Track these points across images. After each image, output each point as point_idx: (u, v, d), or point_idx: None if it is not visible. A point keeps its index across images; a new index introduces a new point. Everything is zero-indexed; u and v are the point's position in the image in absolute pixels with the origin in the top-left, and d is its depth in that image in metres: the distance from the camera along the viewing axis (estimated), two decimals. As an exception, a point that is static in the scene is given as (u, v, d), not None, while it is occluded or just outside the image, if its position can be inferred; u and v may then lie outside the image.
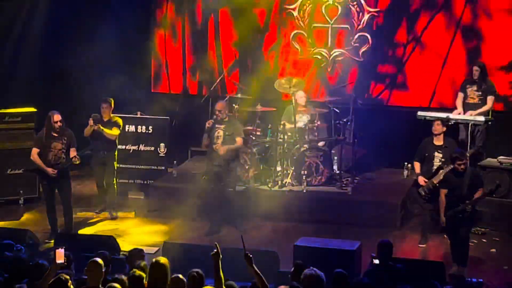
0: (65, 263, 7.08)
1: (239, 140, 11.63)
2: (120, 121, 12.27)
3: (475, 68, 12.51)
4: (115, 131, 12.15)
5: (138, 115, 12.61)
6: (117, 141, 12.33)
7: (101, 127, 11.93)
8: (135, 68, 13.88)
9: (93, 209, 12.47)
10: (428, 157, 11.16)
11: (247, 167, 12.44)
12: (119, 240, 10.45)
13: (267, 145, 12.73)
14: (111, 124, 12.13)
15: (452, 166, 10.22)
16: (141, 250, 8.39)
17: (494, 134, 12.43)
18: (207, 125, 11.59)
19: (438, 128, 11.16)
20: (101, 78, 13.53)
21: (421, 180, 11.04)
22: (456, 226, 10.07)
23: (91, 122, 11.98)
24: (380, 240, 8.77)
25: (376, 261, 8.66)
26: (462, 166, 10.01)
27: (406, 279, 7.92)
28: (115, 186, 12.35)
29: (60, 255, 6.93)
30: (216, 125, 11.58)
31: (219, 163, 11.49)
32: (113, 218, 12.27)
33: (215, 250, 6.93)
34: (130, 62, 13.97)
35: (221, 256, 6.95)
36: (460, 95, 12.54)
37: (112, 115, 12.22)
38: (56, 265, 6.95)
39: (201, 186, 11.74)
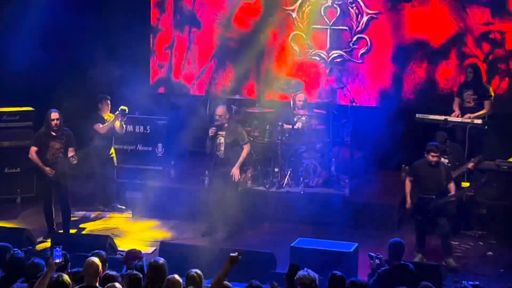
0: (62, 263, 7.08)
1: (246, 147, 11.54)
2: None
3: (469, 70, 12.54)
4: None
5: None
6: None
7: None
8: (133, 67, 13.85)
9: (92, 208, 12.48)
10: None
11: (244, 168, 12.45)
12: (116, 240, 10.47)
13: (265, 146, 12.72)
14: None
15: (466, 168, 10.66)
16: (139, 251, 8.39)
17: (492, 137, 12.42)
18: (210, 133, 11.53)
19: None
20: (100, 77, 13.50)
21: None
22: (437, 217, 10.39)
23: (119, 115, 12.24)
24: (392, 239, 8.74)
25: (377, 261, 8.66)
26: (436, 159, 10.43)
27: (419, 279, 7.88)
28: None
29: (57, 255, 6.92)
30: (218, 132, 11.54)
31: (224, 169, 11.49)
32: (121, 211, 12.48)
33: (236, 254, 6.95)
34: (129, 61, 13.93)
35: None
36: (457, 99, 12.56)
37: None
38: (53, 265, 6.95)
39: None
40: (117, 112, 12.25)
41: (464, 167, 11.07)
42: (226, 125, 11.53)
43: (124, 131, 12.55)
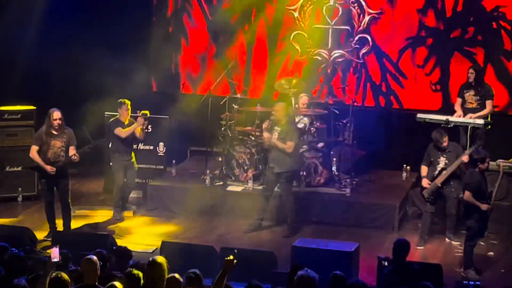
0: (61, 262, 7.07)
1: (288, 144, 11.37)
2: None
3: (470, 71, 12.53)
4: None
5: (139, 114, 12.47)
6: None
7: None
8: (135, 66, 13.84)
9: (92, 207, 12.48)
10: (433, 162, 11.17)
11: (245, 168, 12.45)
12: (117, 239, 10.47)
13: (266, 145, 12.70)
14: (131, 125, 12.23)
15: (458, 165, 10.50)
16: (126, 247, 8.44)
17: (493, 138, 12.41)
18: (263, 126, 11.88)
19: (446, 142, 11.11)
20: (102, 76, 13.52)
21: (425, 182, 11.06)
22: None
23: (141, 120, 12.07)
24: (397, 239, 8.74)
25: (385, 263, 8.66)
26: (487, 165, 10.24)
27: (423, 279, 7.87)
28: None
29: (55, 254, 6.91)
30: (275, 127, 11.57)
31: (273, 166, 11.50)
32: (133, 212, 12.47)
33: (231, 257, 6.68)
34: (130, 60, 13.93)
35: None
36: (458, 100, 12.55)
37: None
38: (52, 264, 6.94)
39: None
40: (139, 116, 12.12)
41: (458, 160, 11.03)
42: (283, 121, 11.53)
43: (144, 135, 12.45)
